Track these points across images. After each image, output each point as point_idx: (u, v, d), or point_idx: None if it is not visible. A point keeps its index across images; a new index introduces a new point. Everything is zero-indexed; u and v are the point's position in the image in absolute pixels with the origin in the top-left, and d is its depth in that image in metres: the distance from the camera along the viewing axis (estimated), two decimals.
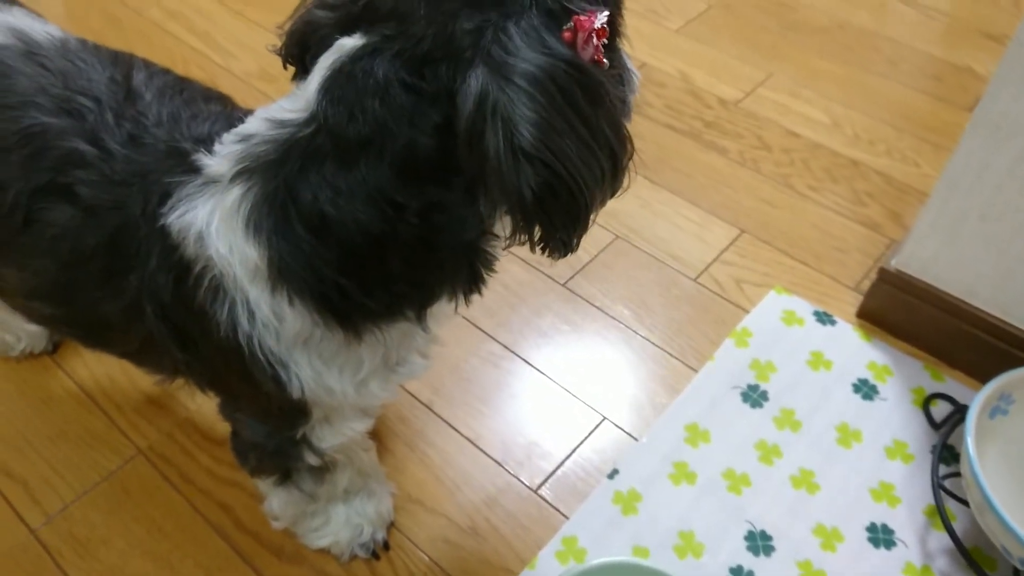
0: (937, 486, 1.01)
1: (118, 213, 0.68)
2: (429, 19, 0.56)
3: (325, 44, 0.61)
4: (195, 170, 0.65)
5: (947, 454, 1.07)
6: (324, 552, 0.99)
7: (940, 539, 1.00)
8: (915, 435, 1.10)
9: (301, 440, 0.80)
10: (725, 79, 1.63)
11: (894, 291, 1.18)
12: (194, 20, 1.76)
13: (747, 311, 1.25)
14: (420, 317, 0.68)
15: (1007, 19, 1.78)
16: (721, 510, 1.03)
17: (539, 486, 1.06)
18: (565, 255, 0.62)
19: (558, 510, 1.04)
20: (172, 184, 0.65)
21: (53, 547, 1.00)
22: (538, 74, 0.54)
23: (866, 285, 1.26)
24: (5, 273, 0.76)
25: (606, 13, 0.57)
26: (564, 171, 0.56)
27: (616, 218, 1.37)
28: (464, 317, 1.22)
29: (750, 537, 1.00)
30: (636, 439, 1.10)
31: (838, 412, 1.12)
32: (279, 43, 0.68)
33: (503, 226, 0.65)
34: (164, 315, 0.69)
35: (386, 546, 1.00)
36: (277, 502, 0.93)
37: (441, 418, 1.12)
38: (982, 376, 1.09)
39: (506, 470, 1.07)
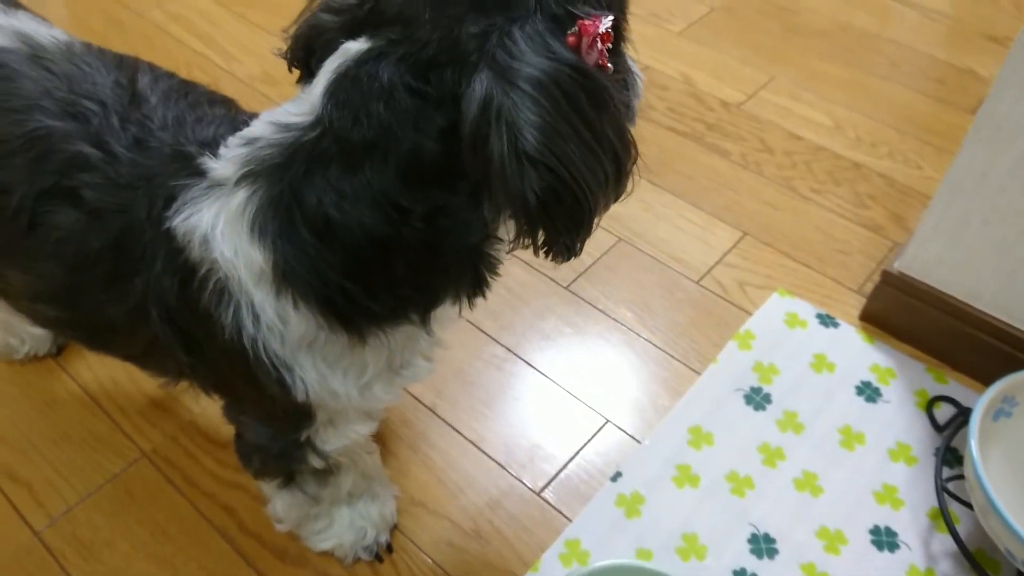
0: (940, 489, 1.01)
1: (123, 216, 0.68)
2: (434, 23, 0.57)
3: (330, 48, 0.61)
4: (200, 173, 0.65)
5: (950, 457, 1.07)
6: (327, 555, 0.99)
7: (944, 542, 1.00)
8: (918, 438, 1.10)
9: (305, 443, 0.80)
10: (727, 82, 1.64)
11: (897, 294, 1.18)
12: (196, 23, 1.77)
13: (750, 313, 1.25)
14: (424, 320, 0.69)
15: (1009, 21, 1.78)
16: (724, 513, 1.03)
17: (542, 489, 1.06)
18: (569, 259, 0.62)
19: (561, 513, 1.04)
20: (177, 187, 0.66)
21: (57, 549, 1.00)
22: (542, 78, 0.54)
23: (869, 288, 1.26)
24: (10, 276, 0.76)
25: (610, 18, 0.57)
26: (568, 175, 0.56)
27: (618, 221, 1.38)
28: (467, 320, 1.22)
29: (753, 540, 1.00)
30: (639, 442, 1.10)
31: (841, 415, 1.12)
32: (284, 47, 0.68)
33: (507, 230, 0.65)
34: (169, 318, 0.69)
35: (389, 549, 1.00)
36: (281, 505, 0.93)
37: (444, 421, 1.13)
38: (985, 379, 1.09)
39: (509, 473, 1.07)
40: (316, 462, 0.83)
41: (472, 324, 1.23)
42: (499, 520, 1.03)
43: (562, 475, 1.07)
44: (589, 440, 1.11)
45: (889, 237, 1.36)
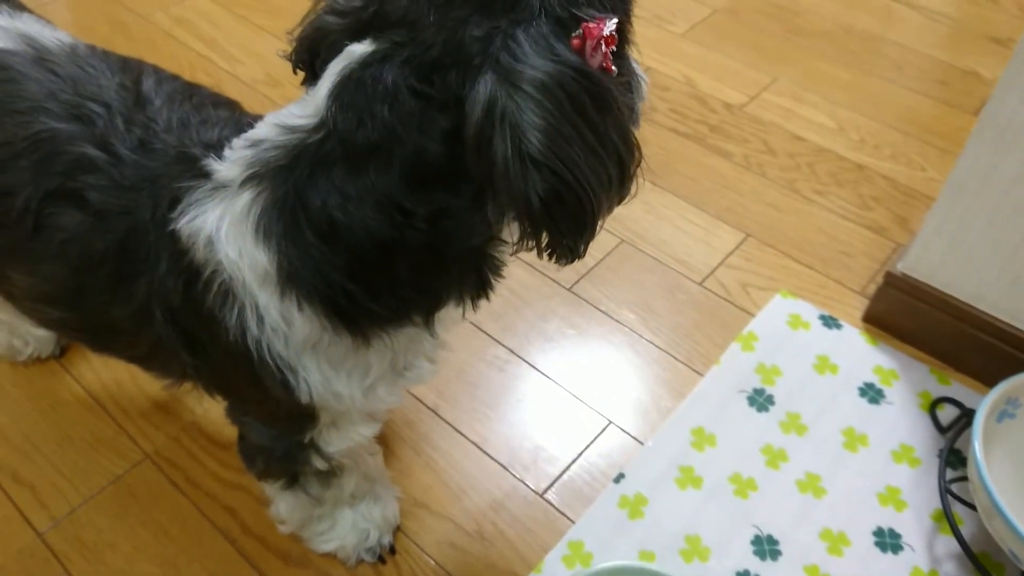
0: (944, 490, 1.01)
1: (127, 218, 0.68)
2: (439, 26, 0.57)
3: (335, 50, 0.61)
4: (205, 175, 0.65)
5: (954, 458, 1.07)
6: (330, 556, 0.99)
7: (947, 543, 1.00)
8: (922, 439, 1.10)
9: (309, 444, 0.80)
10: (730, 83, 1.64)
11: (900, 295, 1.18)
12: (200, 26, 1.77)
13: (753, 315, 1.25)
14: (428, 322, 0.69)
15: (1012, 23, 1.78)
16: (727, 514, 1.03)
17: (545, 490, 1.06)
18: (572, 261, 0.62)
19: (564, 514, 1.03)
20: (182, 189, 0.66)
21: (60, 551, 1.00)
22: (547, 81, 0.54)
23: (872, 289, 1.26)
24: (15, 278, 0.76)
25: (615, 20, 0.57)
26: (572, 178, 0.56)
27: (621, 222, 1.38)
28: (470, 321, 1.22)
29: (756, 541, 1.00)
30: (642, 443, 1.10)
31: (844, 416, 1.12)
32: (289, 49, 0.68)
33: (511, 232, 0.65)
34: (173, 319, 0.69)
35: (392, 550, 1.00)
36: (284, 506, 0.93)
37: (447, 422, 1.13)
38: (989, 380, 1.09)
39: (512, 474, 1.07)
40: (319, 464, 0.83)
41: (474, 325, 1.23)
42: (502, 522, 1.03)
43: (565, 476, 1.07)
44: (592, 441, 1.11)
45: (892, 239, 1.36)
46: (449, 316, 0.71)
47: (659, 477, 1.06)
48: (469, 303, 0.69)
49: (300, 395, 0.70)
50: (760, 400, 1.14)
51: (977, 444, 0.92)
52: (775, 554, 0.99)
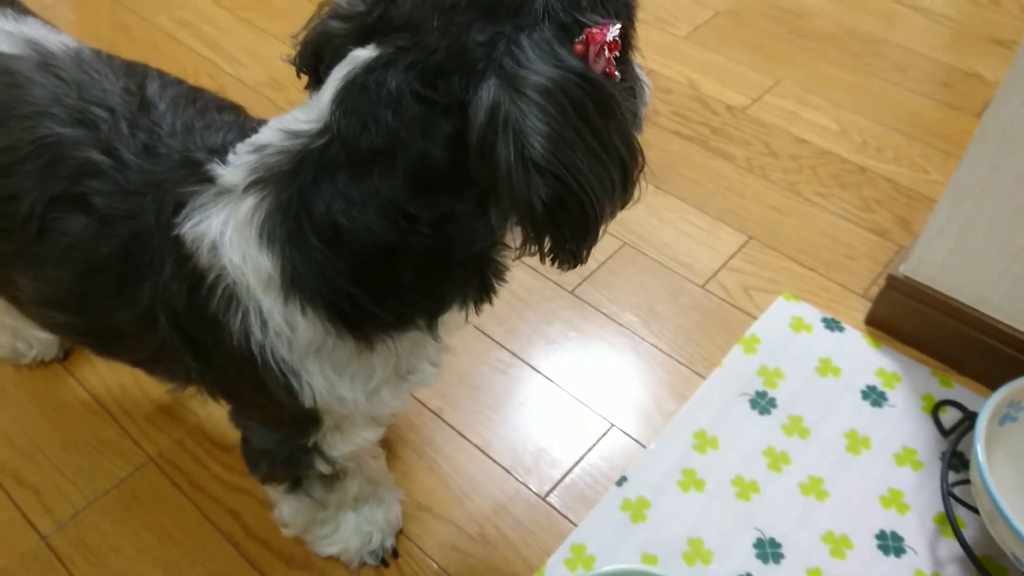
0: (947, 493, 1.01)
1: (132, 223, 0.68)
2: (442, 31, 0.57)
3: (339, 55, 0.61)
4: (209, 180, 0.66)
5: (956, 461, 1.07)
6: (333, 559, 0.99)
7: (950, 547, 1.00)
8: (924, 442, 1.10)
9: (312, 448, 0.80)
10: (732, 86, 1.64)
11: (903, 298, 1.18)
12: (204, 29, 1.78)
13: (755, 318, 1.25)
14: (431, 326, 0.69)
15: (1014, 24, 1.78)
16: (730, 517, 1.03)
17: (547, 493, 1.06)
18: (575, 266, 0.62)
19: (567, 517, 1.04)
20: (186, 194, 0.66)
21: (64, 554, 1.00)
22: (550, 86, 0.55)
23: (874, 292, 1.26)
24: (20, 282, 0.77)
25: (618, 26, 0.57)
26: (575, 183, 0.56)
27: (623, 225, 1.38)
28: (473, 325, 1.23)
29: (759, 545, 1.00)
30: (644, 446, 1.10)
31: (847, 419, 1.12)
32: (293, 53, 0.69)
33: (514, 237, 0.65)
34: (177, 324, 0.70)
35: (395, 553, 1.00)
36: (287, 509, 0.93)
37: (450, 425, 1.13)
38: (991, 383, 1.08)
39: (515, 477, 1.07)
40: (323, 467, 0.83)
41: (477, 329, 1.23)
42: (505, 525, 1.03)
43: (567, 480, 1.07)
44: (594, 444, 1.11)
45: (895, 241, 1.36)
46: (452, 320, 0.71)
47: (661, 480, 1.06)
48: (472, 307, 0.69)
49: (304, 399, 0.70)
50: (762, 403, 1.14)
51: (979, 447, 0.92)
52: (777, 557, 0.99)
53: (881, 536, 1.01)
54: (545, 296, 1.28)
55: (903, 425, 1.12)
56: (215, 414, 1.13)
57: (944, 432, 1.10)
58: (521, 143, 0.55)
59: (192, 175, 0.67)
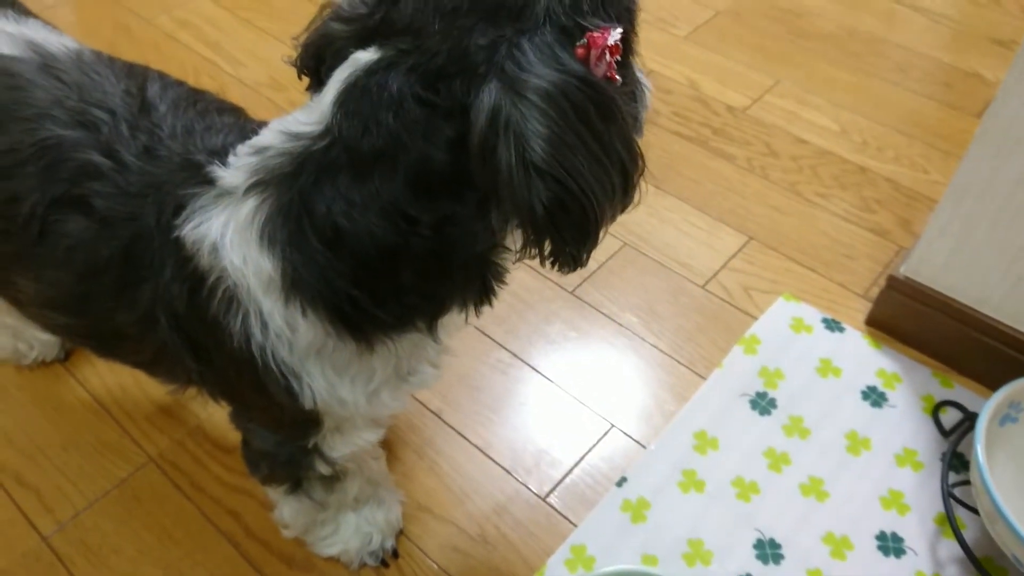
0: (947, 494, 1.01)
1: (132, 224, 0.68)
2: (444, 34, 0.57)
3: (340, 57, 0.61)
4: (209, 182, 0.66)
5: (957, 462, 1.07)
6: (334, 560, 0.99)
7: (950, 548, 1.00)
8: (924, 443, 1.10)
9: (312, 449, 0.80)
10: (733, 86, 1.64)
11: (903, 298, 1.18)
12: (204, 29, 1.78)
13: (755, 318, 1.25)
14: (431, 328, 0.69)
15: (1015, 24, 1.78)
16: (730, 518, 1.03)
17: (548, 494, 1.06)
18: (574, 269, 0.62)
19: (567, 518, 1.04)
20: (186, 196, 0.66)
21: (65, 554, 1.00)
22: (551, 90, 0.55)
23: (875, 292, 1.26)
24: (21, 283, 0.77)
25: (619, 30, 0.57)
26: (575, 186, 0.56)
27: (624, 226, 1.38)
28: (473, 325, 1.22)
29: (759, 545, 1.00)
30: (644, 447, 1.10)
31: (847, 420, 1.12)
32: (294, 54, 0.69)
33: (514, 239, 0.65)
34: (178, 325, 0.70)
35: (395, 554, 1.00)
36: (288, 510, 0.93)
37: (450, 426, 1.13)
38: (992, 383, 1.09)
39: (515, 478, 1.08)
40: (323, 468, 0.84)
41: (478, 329, 1.23)
42: (505, 525, 1.03)
43: (567, 480, 1.07)
44: (594, 445, 1.11)
45: (895, 241, 1.36)
46: (452, 322, 0.71)
47: (661, 481, 1.06)
48: (472, 309, 0.69)
49: (304, 401, 0.70)
50: (763, 403, 1.14)
51: (980, 448, 0.92)
52: (777, 558, 0.99)
53: (881, 537, 1.01)
54: (545, 296, 1.28)
55: (903, 426, 1.12)
56: (216, 415, 1.13)
57: (944, 433, 1.10)
58: (522, 146, 0.55)
59: (193, 177, 0.67)
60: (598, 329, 1.24)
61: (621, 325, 1.25)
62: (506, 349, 1.22)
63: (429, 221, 0.61)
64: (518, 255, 0.65)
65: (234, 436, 0.91)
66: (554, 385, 1.18)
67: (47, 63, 0.74)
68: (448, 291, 0.67)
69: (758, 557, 0.99)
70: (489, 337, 1.23)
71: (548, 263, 0.62)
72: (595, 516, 1.03)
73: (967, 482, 1.02)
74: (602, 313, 1.26)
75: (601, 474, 1.08)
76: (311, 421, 0.75)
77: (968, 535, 0.99)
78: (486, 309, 0.71)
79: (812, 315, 1.25)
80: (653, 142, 1.52)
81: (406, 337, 0.69)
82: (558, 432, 1.12)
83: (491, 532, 1.02)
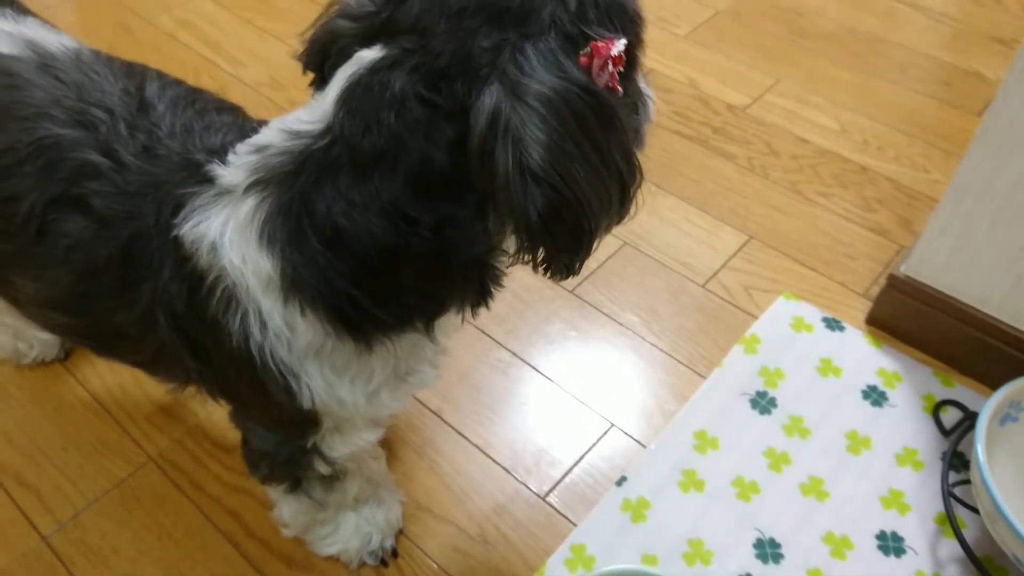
0: (947, 494, 1.00)
1: (131, 224, 0.68)
2: (449, 35, 0.57)
3: (345, 55, 0.61)
4: (208, 181, 0.66)
5: (957, 461, 1.07)
6: (333, 560, 0.99)
7: (951, 547, 1.00)
8: (925, 442, 1.10)
9: (312, 449, 0.80)
10: (733, 85, 1.64)
11: (904, 298, 1.17)
12: (204, 29, 1.78)
13: (756, 317, 1.25)
14: (429, 328, 0.69)
15: (1016, 23, 1.78)
16: (730, 518, 1.03)
17: (547, 493, 1.06)
18: (567, 278, 0.62)
19: (567, 518, 1.04)
20: (185, 195, 0.66)
21: (64, 554, 1.00)
22: (552, 96, 0.55)
23: (875, 291, 1.26)
24: (20, 283, 0.77)
25: (624, 41, 0.57)
26: (571, 195, 0.56)
27: (624, 225, 1.37)
28: (473, 324, 1.22)
29: (759, 545, 1.00)
30: (644, 446, 1.10)
31: (847, 419, 1.12)
32: (300, 50, 0.69)
33: (511, 243, 0.65)
34: (177, 325, 0.70)
35: (395, 554, 1.00)
36: (287, 510, 0.93)
37: (450, 425, 1.13)
38: (992, 383, 1.08)
39: (515, 477, 1.07)
40: (323, 468, 0.83)
41: (478, 328, 1.23)
42: (505, 525, 1.03)
43: (567, 480, 1.07)
44: (594, 444, 1.11)
45: (896, 241, 1.36)
46: (450, 322, 0.71)
47: (661, 480, 1.06)
48: (469, 311, 0.69)
49: (303, 401, 0.70)
50: (763, 403, 1.14)
51: (980, 447, 0.92)
52: (777, 558, 0.99)
53: (881, 536, 1.01)
54: (545, 296, 1.28)
55: (904, 425, 1.12)
56: (215, 415, 1.13)
57: (945, 432, 1.10)
58: (520, 151, 0.55)
59: (192, 176, 0.67)
60: (598, 328, 1.24)
61: (621, 324, 1.25)
62: (506, 348, 1.21)
63: (429, 222, 0.60)
64: (511, 260, 0.65)
65: (234, 435, 0.91)
66: (554, 384, 1.18)
67: (45, 62, 0.74)
68: (447, 292, 0.67)
69: (758, 557, 0.99)
70: (489, 336, 1.23)
71: (541, 270, 0.62)
72: (595, 516, 1.03)
73: (967, 481, 1.01)
74: (602, 312, 1.26)
75: (601, 474, 1.08)
76: (310, 421, 0.75)
77: (968, 535, 0.99)
78: (486, 309, 0.71)
79: (812, 314, 1.25)
80: (653, 141, 1.51)
81: (405, 337, 0.69)
82: (558, 432, 1.12)
83: (491, 532, 1.02)
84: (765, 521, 1.02)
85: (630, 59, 0.61)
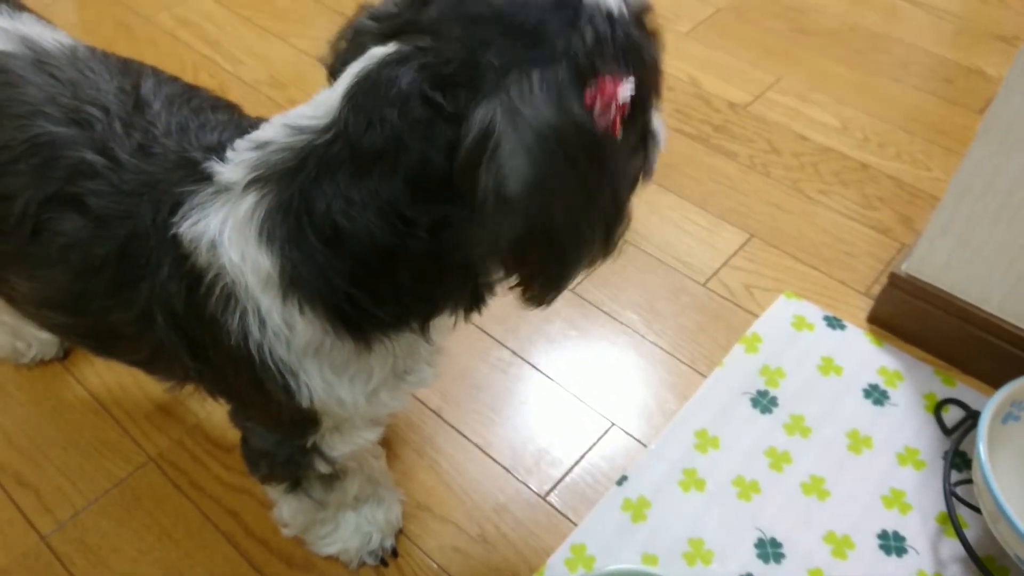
0: (949, 493, 1.00)
1: (128, 223, 0.68)
2: (462, 41, 0.57)
3: (360, 52, 0.61)
4: (206, 179, 0.65)
5: (959, 460, 1.06)
6: (333, 559, 0.99)
7: (952, 547, 0.99)
8: (926, 441, 1.09)
9: (311, 448, 0.80)
10: (734, 83, 1.63)
11: (905, 296, 1.17)
12: (204, 27, 1.77)
13: (757, 316, 1.24)
14: (424, 329, 0.69)
15: (1018, 20, 1.77)
16: (731, 517, 1.02)
17: (548, 493, 1.06)
18: (540, 307, 0.62)
19: (567, 517, 1.03)
20: (184, 193, 0.66)
21: (64, 554, 1.00)
22: (545, 131, 0.54)
23: (876, 290, 1.25)
24: (15, 282, 0.76)
25: (632, 84, 0.57)
26: (546, 230, 0.56)
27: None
28: (473, 323, 1.22)
29: (760, 545, 1.00)
30: (645, 445, 1.10)
31: (849, 418, 1.12)
32: (327, 55, 0.68)
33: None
34: (175, 324, 0.69)
35: (395, 553, 1.00)
36: (287, 509, 0.93)
37: (450, 425, 1.12)
38: (994, 382, 1.08)
39: (515, 477, 1.07)
40: (322, 467, 0.83)
41: (478, 327, 1.23)
42: (505, 525, 1.03)
43: (567, 479, 1.07)
44: (595, 444, 1.10)
45: (897, 239, 1.35)
46: (444, 324, 0.71)
47: (662, 480, 1.06)
48: (462, 315, 0.69)
49: (301, 399, 0.69)
50: (764, 402, 1.14)
51: (982, 447, 0.92)
52: (779, 557, 0.99)
53: (883, 536, 1.01)
54: None
55: (905, 424, 1.11)
56: (215, 414, 1.12)
57: (946, 431, 1.10)
58: (502, 176, 0.54)
59: (190, 174, 0.67)
60: (598, 327, 1.24)
61: (622, 323, 1.24)
62: (506, 347, 1.21)
63: (426, 223, 0.60)
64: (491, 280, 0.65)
65: (234, 435, 0.90)
66: (554, 383, 1.17)
67: (40, 59, 0.73)
68: (441, 294, 0.66)
69: (759, 556, 0.99)
70: (489, 335, 1.22)
71: (516, 294, 0.61)
72: (595, 515, 1.03)
73: (969, 481, 1.01)
74: (603, 311, 1.26)
75: (601, 473, 1.07)
76: (309, 420, 0.75)
77: (970, 534, 0.98)
78: (478, 315, 0.70)
79: (813, 313, 1.24)
80: None
81: (402, 336, 0.69)
82: (558, 431, 1.12)
83: (491, 531, 1.02)
84: (766, 520, 1.02)
85: (640, 102, 0.60)
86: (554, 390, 1.17)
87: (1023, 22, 1.77)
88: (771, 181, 1.45)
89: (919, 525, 1.02)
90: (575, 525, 1.02)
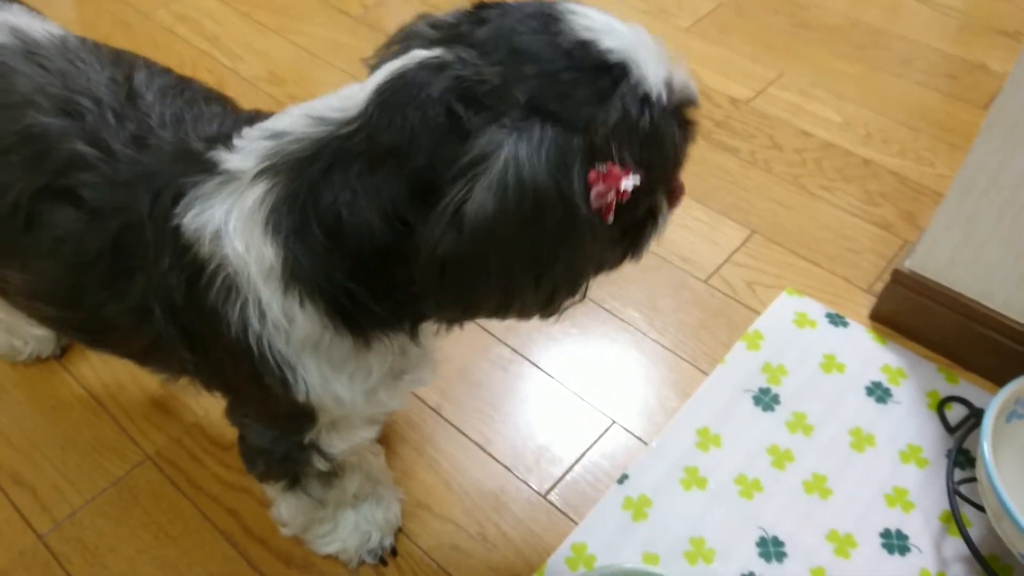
0: (952, 491, 0.99)
1: (123, 214, 0.67)
2: (502, 69, 0.57)
3: (403, 52, 0.61)
4: (210, 169, 0.64)
5: (962, 459, 1.05)
6: (332, 558, 0.98)
7: (956, 546, 0.99)
8: (930, 439, 1.09)
9: (309, 445, 0.79)
10: (735, 78, 1.62)
11: (908, 293, 1.16)
12: (203, 23, 1.77)
13: (758, 313, 1.23)
14: (413, 331, 0.68)
15: (1021, 15, 1.76)
16: (733, 516, 1.01)
17: (548, 491, 1.05)
18: (440, 331, 0.64)
19: (567, 516, 1.03)
20: (186, 184, 0.65)
21: (61, 553, 0.99)
22: (529, 184, 0.54)
23: (879, 287, 1.25)
24: (7, 274, 0.76)
25: (637, 178, 0.56)
26: (481, 267, 0.56)
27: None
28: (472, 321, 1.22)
29: (762, 543, 0.99)
30: (646, 443, 1.09)
31: (851, 416, 1.11)
32: (372, 56, 0.68)
33: None
34: (174, 316, 0.69)
35: (394, 552, 0.99)
36: (286, 508, 0.93)
37: (450, 423, 1.12)
38: (998, 379, 1.07)
39: (515, 475, 1.06)
40: (321, 465, 0.83)
41: (478, 324, 1.22)
42: (504, 523, 1.02)
43: (568, 477, 1.06)
44: (596, 442, 1.10)
45: (900, 235, 1.34)
46: (431, 329, 0.71)
47: (663, 478, 1.05)
48: (444, 325, 0.69)
49: (297, 393, 0.69)
50: (766, 400, 1.13)
51: (986, 445, 0.91)
52: (781, 556, 0.98)
53: (886, 534, 1.00)
54: None
55: (908, 422, 1.10)
56: (212, 412, 1.12)
57: (950, 429, 1.09)
58: (466, 199, 0.54)
59: (191, 165, 0.66)
60: (599, 325, 1.23)
61: (623, 320, 1.23)
62: (506, 345, 1.20)
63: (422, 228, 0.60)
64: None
65: (231, 433, 0.90)
66: (555, 381, 1.17)
67: (30, 49, 0.73)
68: (428, 300, 0.66)
69: (761, 555, 0.98)
70: (489, 333, 1.22)
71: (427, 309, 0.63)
72: (596, 514, 1.02)
73: (973, 479, 1.00)
74: (603, 308, 1.25)
75: (602, 471, 1.07)
76: (305, 415, 0.74)
77: (974, 533, 0.98)
78: (458, 328, 0.70)
79: (816, 310, 1.23)
80: None
81: (399, 336, 0.68)
82: (559, 429, 1.11)
83: (491, 530, 1.01)
84: (768, 519, 1.01)
85: (649, 189, 0.60)
86: (555, 388, 1.16)
87: None
88: (773, 177, 1.44)
89: (922, 524, 1.01)
90: (576, 524, 1.01)
